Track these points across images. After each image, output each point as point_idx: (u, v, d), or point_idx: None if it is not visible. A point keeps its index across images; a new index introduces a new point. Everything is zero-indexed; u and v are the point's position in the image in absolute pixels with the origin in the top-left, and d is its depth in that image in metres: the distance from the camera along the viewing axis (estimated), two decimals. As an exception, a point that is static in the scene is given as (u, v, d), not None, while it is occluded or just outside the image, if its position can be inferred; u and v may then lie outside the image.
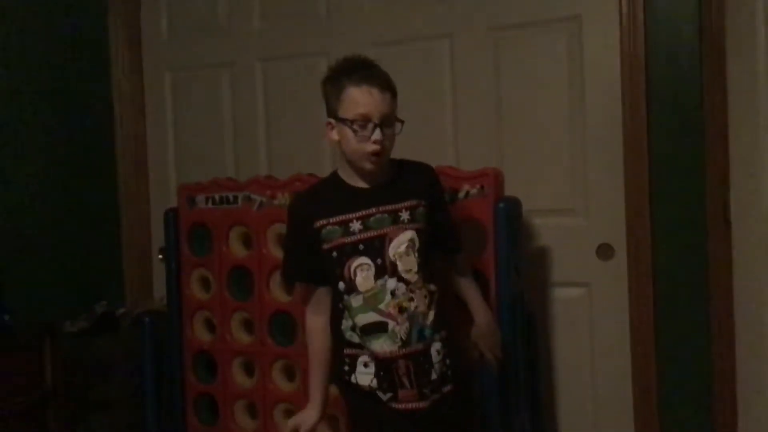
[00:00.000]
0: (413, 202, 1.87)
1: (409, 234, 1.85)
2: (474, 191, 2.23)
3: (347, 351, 1.89)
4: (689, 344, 2.51)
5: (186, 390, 2.68)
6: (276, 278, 2.49)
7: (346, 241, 1.84)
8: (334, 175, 1.94)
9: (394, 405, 1.86)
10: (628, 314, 2.57)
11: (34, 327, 2.65)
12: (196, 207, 2.63)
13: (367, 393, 1.88)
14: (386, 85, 1.82)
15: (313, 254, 1.89)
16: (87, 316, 2.94)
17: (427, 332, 1.86)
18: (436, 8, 2.79)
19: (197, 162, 3.20)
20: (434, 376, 1.87)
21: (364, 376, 1.87)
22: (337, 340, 1.92)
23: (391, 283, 1.82)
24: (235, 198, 2.55)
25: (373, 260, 1.82)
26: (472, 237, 2.22)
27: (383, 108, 1.80)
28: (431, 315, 1.86)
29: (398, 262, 1.83)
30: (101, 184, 3.25)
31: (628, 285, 2.57)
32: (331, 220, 1.86)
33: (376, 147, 1.79)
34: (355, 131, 1.80)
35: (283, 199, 2.46)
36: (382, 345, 1.83)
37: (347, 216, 1.85)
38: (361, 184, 1.88)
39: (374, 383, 1.86)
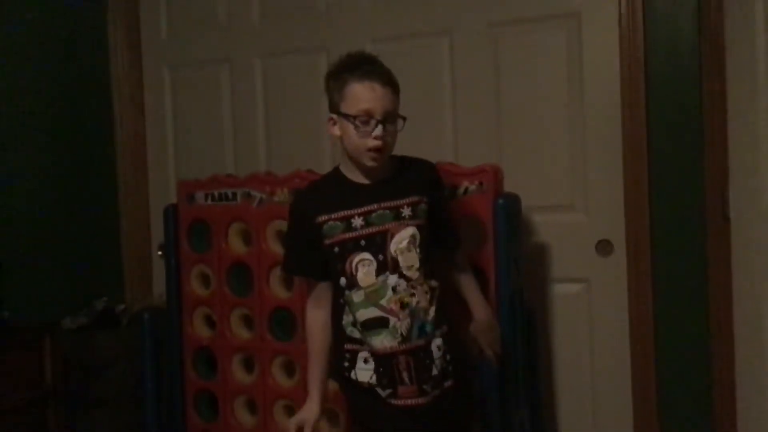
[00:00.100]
0: (415, 199, 1.88)
1: (411, 230, 1.85)
2: (473, 187, 2.24)
3: (348, 346, 1.89)
4: (688, 340, 2.52)
5: (186, 386, 2.68)
6: (276, 274, 2.49)
7: (348, 236, 1.84)
8: (336, 170, 1.94)
9: (394, 401, 1.86)
10: (627, 310, 2.58)
11: (33, 324, 2.65)
12: (196, 203, 2.63)
13: (367, 389, 1.88)
14: (389, 81, 1.82)
15: (314, 249, 1.89)
16: (87, 312, 2.94)
17: (428, 328, 1.86)
18: (435, 4, 2.79)
19: (197, 159, 3.20)
20: (435, 371, 1.87)
21: (364, 372, 1.87)
22: (338, 336, 1.92)
23: (393, 279, 1.83)
24: (235, 194, 2.56)
25: (375, 256, 1.83)
26: (472, 233, 2.22)
27: (385, 104, 1.80)
28: (432, 311, 1.87)
29: (399, 258, 1.83)
30: (101, 181, 3.24)
31: (628, 281, 2.57)
32: (332, 216, 1.86)
33: (377, 143, 1.79)
34: (356, 127, 1.80)
35: (282, 195, 2.46)
36: (382, 341, 1.83)
37: (349, 212, 1.85)
38: (363, 180, 1.88)
39: (373, 379, 1.87)
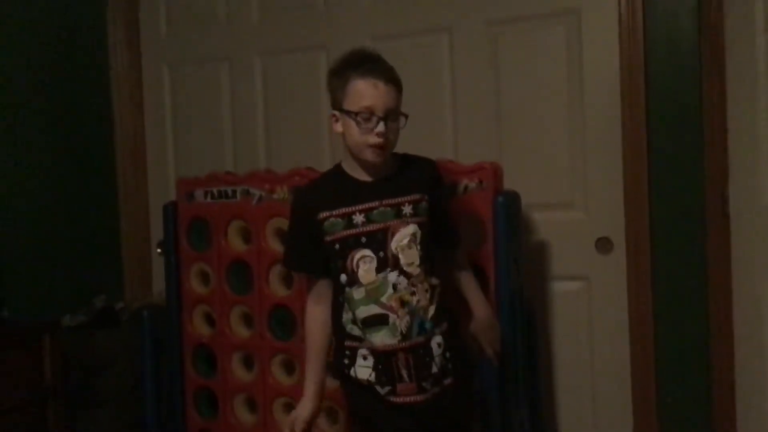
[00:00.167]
0: (416, 197, 1.88)
1: (412, 228, 1.85)
2: (473, 185, 2.23)
3: (348, 343, 1.89)
4: (688, 337, 2.52)
5: (186, 384, 2.68)
6: (275, 272, 2.49)
7: (349, 233, 1.84)
8: (338, 167, 1.94)
9: (393, 399, 1.86)
10: (627, 308, 2.58)
11: (33, 323, 2.65)
12: (195, 201, 2.63)
13: (366, 387, 1.88)
14: (391, 79, 1.82)
15: (314, 246, 1.89)
16: (86, 310, 2.94)
17: (428, 325, 1.86)
18: (434, 2, 2.78)
19: (196, 156, 3.20)
20: (435, 369, 1.87)
21: (363, 369, 1.87)
22: (338, 333, 1.92)
23: (393, 276, 1.82)
24: (234, 192, 2.55)
25: (376, 253, 1.83)
26: (471, 231, 2.22)
27: (388, 101, 1.80)
28: (432, 309, 1.87)
29: (400, 256, 1.83)
30: (100, 179, 3.24)
31: (627, 278, 2.57)
32: (334, 213, 1.86)
33: (379, 140, 1.79)
34: (358, 123, 1.80)
35: (282, 193, 2.46)
36: (382, 338, 1.83)
37: (350, 208, 1.85)
38: (365, 177, 1.88)
39: (372, 377, 1.86)
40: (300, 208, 1.95)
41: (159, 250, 3.10)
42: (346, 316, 1.88)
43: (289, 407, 2.42)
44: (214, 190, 2.59)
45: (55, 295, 2.97)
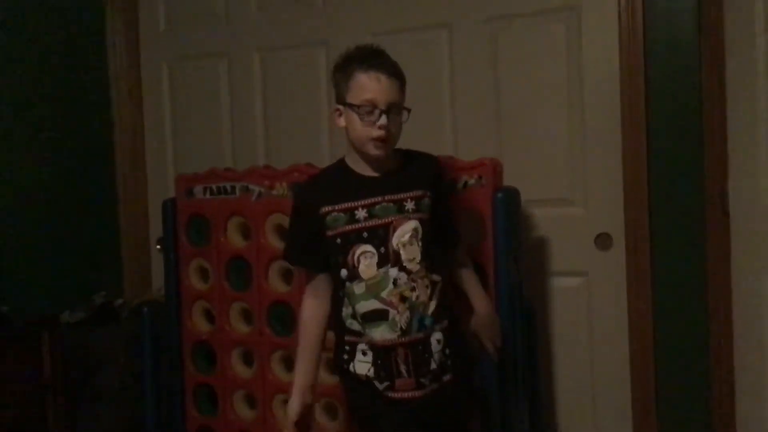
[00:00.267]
0: (419, 193, 1.88)
1: (413, 224, 1.85)
2: (472, 181, 2.23)
3: (347, 338, 1.90)
4: (687, 334, 2.52)
5: (185, 380, 2.68)
6: (274, 268, 2.49)
7: (351, 228, 1.84)
8: (341, 162, 1.94)
9: (391, 394, 1.86)
10: (627, 304, 2.58)
11: (32, 319, 2.65)
12: (194, 197, 2.63)
13: (365, 382, 1.88)
14: (394, 73, 1.83)
15: (315, 240, 1.89)
16: (85, 306, 2.94)
17: (428, 322, 1.86)
18: (434, -2, 2.78)
19: (195, 152, 3.20)
20: (433, 365, 1.87)
21: (362, 364, 1.88)
22: (338, 328, 1.92)
23: (393, 272, 1.82)
24: (233, 188, 2.55)
25: (377, 248, 1.83)
26: (471, 227, 2.22)
27: (390, 94, 1.80)
28: (432, 305, 1.87)
29: (401, 251, 1.83)
30: (99, 175, 3.24)
31: (627, 275, 2.57)
32: (336, 207, 1.86)
33: (381, 132, 1.79)
34: (361, 116, 1.80)
35: (281, 189, 2.46)
36: (382, 333, 1.83)
37: (353, 203, 1.85)
38: (368, 172, 1.88)
39: (371, 372, 1.87)
40: (302, 203, 1.95)
41: (158, 247, 3.10)
42: (346, 311, 1.88)
43: (289, 403, 2.42)
44: (214, 187, 2.59)
45: (55, 292, 2.97)
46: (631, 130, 2.53)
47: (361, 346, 1.87)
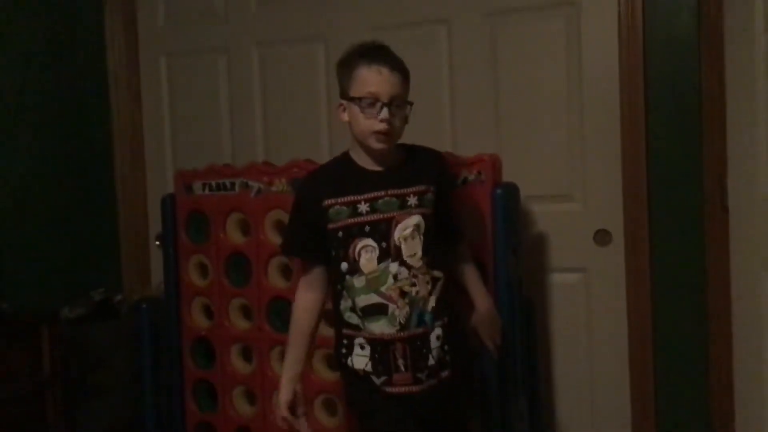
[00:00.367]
0: (422, 188, 1.88)
1: (416, 219, 1.85)
2: (472, 177, 2.23)
3: (345, 332, 1.90)
4: (686, 329, 2.52)
5: (184, 376, 2.68)
6: (274, 264, 2.49)
7: (353, 222, 1.84)
8: (346, 155, 1.94)
9: (388, 389, 1.86)
10: (626, 299, 2.58)
11: (32, 314, 2.65)
12: (193, 193, 2.62)
13: (362, 377, 1.88)
14: (397, 67, 1.83)
15: (315, 233, 1.89)
16: (85, 302, 2.94)
17: (427, 317, 1.86)
18: (433, -7, 2.78)
19: (194, 148, 3.19)
20: (432, 361, 1.87)
21: (360, 358, 1.88)
22: (336, 321, 1.93)
23: (394, 266, 1.82)
24: (232, 184, 2.55)
25: (378, 243, 1.83)
26: (470, 223, 2.21)
27: (392, 88, 1.80)
28: (432, 300, 1.86)
29: (402, 246, 1.83)
30: (98, 171, 3.24)
31: (626, 270, 2.58)
32: (339, 200, 1.86)
33: (383, 126, 1.79)
34: (363, 109, 1.80)
35: (280, 185, 2.45)
36: (381, 327, 1.84)
37: (355, 197, 1.85)
38: (372, 166, 1.88)
39: (369, 367, 1.87)
40: (305, 194, 1.95)
41: (157, 243, 3.10)
42: (345, 304, 1.88)
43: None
44: (213, 183, 2.58)
45: (54, 288, 2.97)
46: (630, 126, 2.53)
47: (359, 340, 1.87)
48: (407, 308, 1.83)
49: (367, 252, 1.83)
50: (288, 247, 2.02)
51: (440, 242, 1.93)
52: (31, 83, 2.97)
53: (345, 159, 1.93)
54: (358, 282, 1.84)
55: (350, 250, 1.85)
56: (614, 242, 2.60)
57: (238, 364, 2.60)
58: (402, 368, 1.85)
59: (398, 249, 1.83)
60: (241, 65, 3.12)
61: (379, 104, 1.79)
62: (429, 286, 1.86)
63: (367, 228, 1.84)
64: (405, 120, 1.85)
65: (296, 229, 1.97)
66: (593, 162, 2.61)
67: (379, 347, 1.85)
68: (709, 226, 2.47)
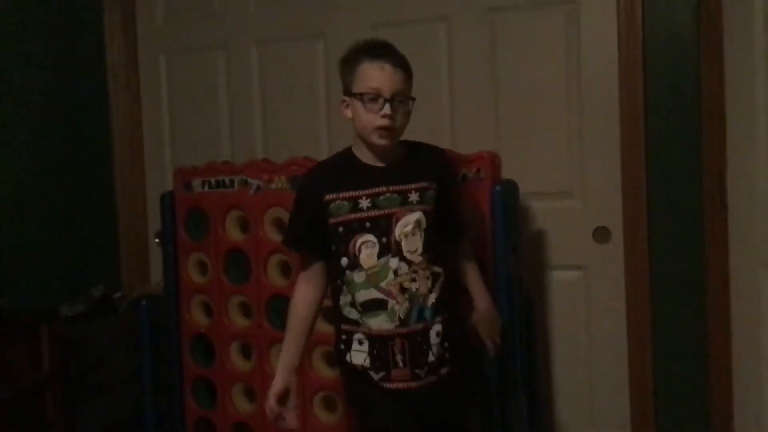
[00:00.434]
0: (423, 184, 1.88)
1: (417, 215, 1.85)
2: (471, 174, 2.23)
3: (344, 327, 1.90)
4: (685, 326, 2.52)
5: (184, 374, 2.68)
6: (273, 261, 2.49)
7: (354, 217, 1.85)
8: (348, 151, 1.94)
9: (386, 385, 1.86)
10: (625, 297, 2.58)
11: (31, 311, 2.65)
12: (193, 191, 2.62)
13: (361, 373, 1.88)
14: (400, 64, 1.84)
15: (316, 228, 1.89)
16: (84, 300, 2.94)
17: (427, 313, 1.86)
18: (432, -9, 2.78)
19: (193, 146, 3.19)
20: (431, 357, 1.87)
21: (358, 354, 1.88)
22: (336, 317, 1.93)
23: (394, 262, 1.83)
24: (232, 182, 2.55)
25: (378, 239, 1.83)
26: (469, 220, 2.21)
27: (395, 83, 1.81)
28: (433, 297, 1.87)
29: (403, 242, 1.83)
30: (97, 168, 3.24)
31: (625, 268, 2.58)
32: (340, 195, 1.86)
33: (385, 122, 1.80)
34: (365, 104, 1.81)
35: (279, 182, 2.45)
36: (380, 323, 1.84)
37: (357, 192, 1.85)
38: (374, 162, 1.88)
39: (367, 362, 1.87)
40: (306, 189, 1.95)
41: (157, 240, 3.10)
42: (344, 299, 1.88)
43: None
44: (212, 180, 2.58)
45: (53, 285, 2.97)
46: (629, 123, 2.53)
47: (358, 336, 1.88)
48: (407, 304, 1.83)
49: (367, 247, 1.84)
50: (290, 240, 2.02)
51: (442, 239, 1.93)
52: (31, 82, 2.97)
53: (347, 154, 1.93)
54: (358, 277, 1.85)
55: (350, 246, 1.85)
56: (613, 240, 2.60)
57: (237, 361, 2.60)
58: (400, 364, 1.85)
59: (398, 245, 1.83)
60: (240, 63, 3.11)
61: (381, 100, 1.80)
62: (429, 282, 1.86)
63: (367, 224, 1.84)
64: (407, 116, 1.85)
65: (297, 224, 1.97)
66: (592, 159, 2.61)
67: (378, 343, 1.85)
68: (708, 224, 2.47)
